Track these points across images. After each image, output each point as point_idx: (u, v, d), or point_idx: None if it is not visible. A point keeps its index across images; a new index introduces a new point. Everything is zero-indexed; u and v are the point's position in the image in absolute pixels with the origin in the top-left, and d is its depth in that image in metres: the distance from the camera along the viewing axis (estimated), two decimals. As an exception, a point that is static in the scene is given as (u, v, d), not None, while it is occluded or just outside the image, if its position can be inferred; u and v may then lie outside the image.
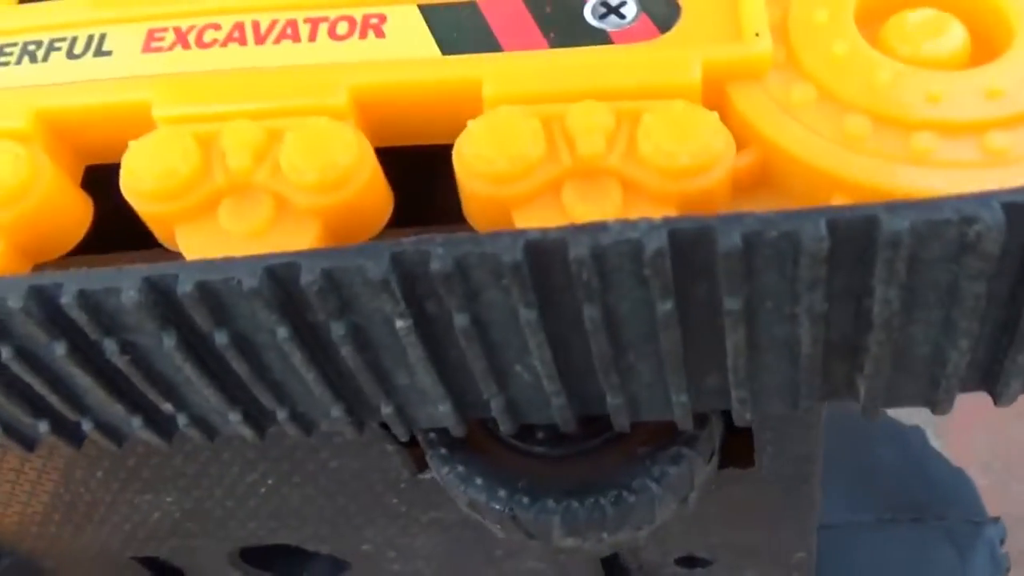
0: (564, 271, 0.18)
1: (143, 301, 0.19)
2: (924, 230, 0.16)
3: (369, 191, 0.21)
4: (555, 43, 0.22)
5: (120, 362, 0.21)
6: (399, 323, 0.19)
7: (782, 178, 0.21)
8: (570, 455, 0.25)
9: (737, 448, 0.26)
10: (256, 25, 0.24)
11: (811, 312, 0.18)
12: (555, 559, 0.36)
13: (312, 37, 0.24)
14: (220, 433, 0.23)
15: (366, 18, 0.24)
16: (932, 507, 0.48)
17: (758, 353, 0.19)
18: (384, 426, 0.25)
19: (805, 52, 0.22)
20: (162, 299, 0.19)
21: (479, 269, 0.18)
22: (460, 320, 0.19)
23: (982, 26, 0.22)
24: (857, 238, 0.17)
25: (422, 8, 0.23)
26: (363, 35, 0.23)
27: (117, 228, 0.24)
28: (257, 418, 0.23)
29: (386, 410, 0.22)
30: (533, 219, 0.20)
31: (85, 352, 0.21)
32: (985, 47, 0.22)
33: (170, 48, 0.24)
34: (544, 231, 0.17)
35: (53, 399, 0.22)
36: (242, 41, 0.24)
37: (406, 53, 0.23)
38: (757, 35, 0.21)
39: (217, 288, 0.19)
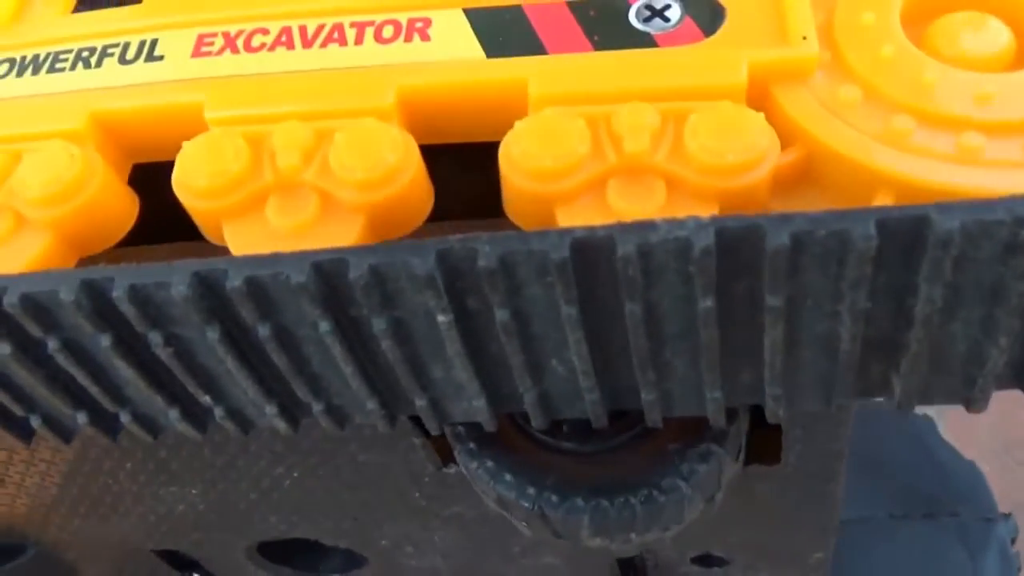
0: (609, 268, 0.18)
1: (191, 295, 0.19)
2: (975, 230, 0.16)
3: (413, 188, 0.22)
4: (600, 46, 0.23)
5: (163, 354, 0.21)
6: (440, 318, 0.19)
7: (825, 176, 0.21)
8: (599, 451, 0.25)
9: (763, 445, 0.27)
10: (303, 29, 0.25)
11: (853, 310, 0.18)
12: (572, 556, 0.36)
13: (358, 41, 0.24)
14: (255, 426, 0.24)
15: (411, 22, 0.24)
16: (944, 502, 0.48)
17: (796, 350, 0.19)
18: (414, 420, 0.25)
19: (851, 54, 0.22)
20: (210, 293, 0.19)
21: (524, 266, 0.18)
22: (501, 315, 0.19)
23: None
24: (906, 238, 0.17)
25: (467, 12, 0.24)
26: (408, 38, 0.24)
27: (156, 223, 0.24)
28: (292, 411, 0.23)
29: (420, 403, 0.22)
30: (576, 216, 0.20)
31: (130, 344, 0.21)
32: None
33: (219, 53, 0.25)
34: (591, 229, 0.18)
35: (94, 390, 0.22)
36: (289, 45, 0.24)
37: (451, 55, 0.23)
38: (805, 38, 0.22)
39: (265, 283, 0.19)
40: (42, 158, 0.23)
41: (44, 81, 0.25)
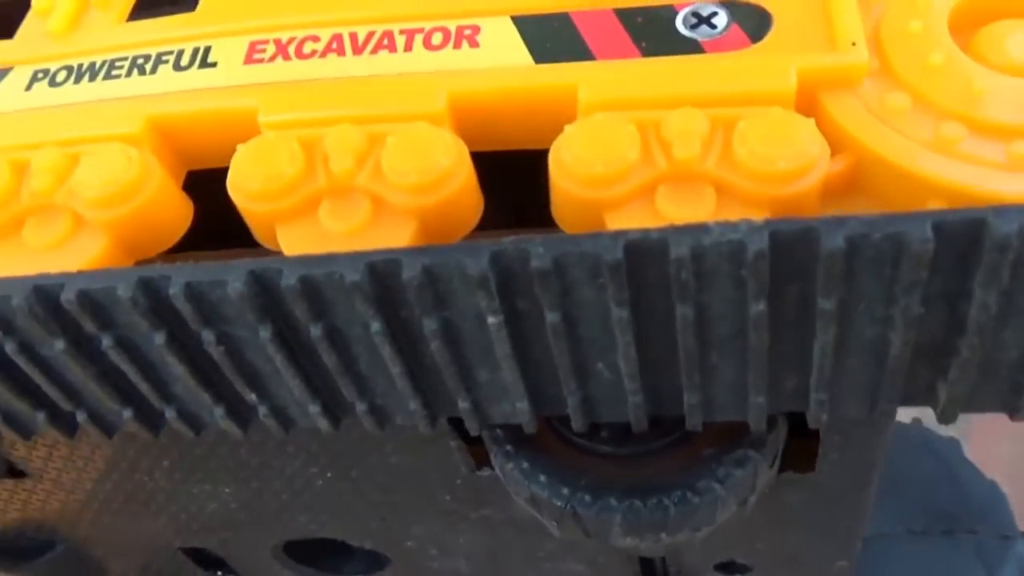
0: (661, 271, 0.18)
1: (247, 292, 0.20)
2: None
3: (465, 193, 0.22)
4: (647, 52, 0.23)
5: (215, 352, 0.21)
6: (491, 320, 0.20)
7: (875, 184, 0.21)
8: (634, 455, 0.25)
9: (797, 452, 0.27)
10: (353, 36, 0.25)
11: (905, 315, 0.18)
12: (595, 562, 0.36)
13: (408, 47, 0.24)
14: (296, 424, 0.24)
15: (460, 29, 0.24)
16: (963, 520, 0.48)
17: (845, 355, 0.19)
18: (452, 423, 0.25)
19: (899, 61, 0.22)
20: (264, 291, 0.20)
21: (577, 268, 0.18)
22: (552, 317, 0.19)
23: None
24: (962, 241, 0.17)
25: (515, 19, 0.24)
26: (457, 45, 0.24)
27: (208, 230, 0.25)
28: (335, 410, 0.23)
29: (464, 405, 0.22)
30: (626, 221, 0.21)
31: (182, 342, 0.21)
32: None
33: (271, 59, 0.25)
34: (644, 231, 0.18)
35: (143, 387, 0.23)
36: (340, 52, 0.25)
37: (500, 62, 0.24)
38: (854, 45, 0.22)
39: (319, 282, 0.19)
40: (100, 160, 0.23)
41: (101, 87, 0.26)
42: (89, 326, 0.21)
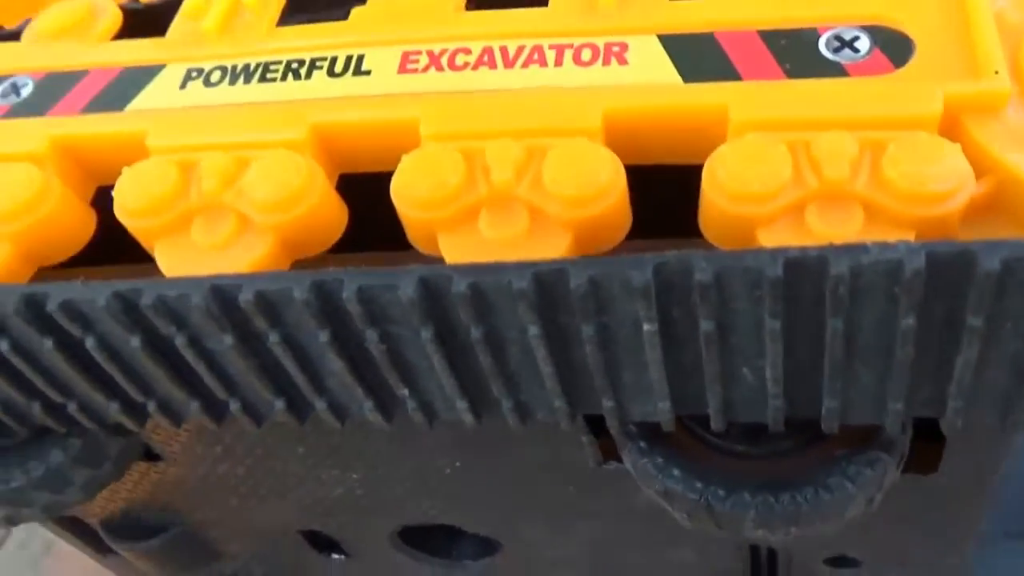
0: (816, 286, 0.19)
1: (416, 297, 0.21)
2: None
3: (619, 206, 0.23)
4: (792, 74, 0.24)
5: (376, 350, 0.23)
6: (647, 327, 0.21)
7: (1016, 207, 0.22)
8: (766, 453, 0.26)
9: (921, 454, 0.27)
10: (504, 50, 0.26)
11: None
12: (706, 550, 0.37)
13: (558, 62, 0.25)
14: (440, 418, 0.25)
15: (608, 46, 0.25)
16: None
17: (985, 368, 0.20)
18: (586, 417, 0.26)
19: None
20: (432, 296, 0.21)
21: (737, 281, 0.19)
22: (706, 326, 0.20)
23: None
24: None
25: (661, 37, 0.25)
26: (607, 62, 0.25)
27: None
28: (480, 406, 0.24)
29: (608, 404, 0.23)
30: (777, 238, 0.21)
31: (344, 340, 0.23)
32: None
33: (424, 70, 0.26)
34: (803, 249, 0.19)
35: (299, 379, 0.24)
36: (491, 65, 0.26)
37: (649, 79, 0.24)
38: (997, 72, 0.22)
39: (487, 289, 0.21)
40: (269, 165, 0.24)
41: (256, 89, 0.27)
42: (260, 324, 0.22)
